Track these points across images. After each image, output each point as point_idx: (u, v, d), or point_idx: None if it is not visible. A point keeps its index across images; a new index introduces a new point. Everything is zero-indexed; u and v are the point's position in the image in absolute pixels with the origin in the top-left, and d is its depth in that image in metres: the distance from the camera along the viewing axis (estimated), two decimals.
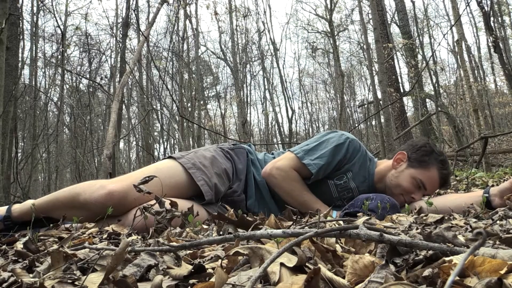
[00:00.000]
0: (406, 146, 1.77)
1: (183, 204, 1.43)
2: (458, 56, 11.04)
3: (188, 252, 0.82)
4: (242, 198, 1.73)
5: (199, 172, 1.59)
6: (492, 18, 10.81)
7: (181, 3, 9.90)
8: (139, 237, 1.15)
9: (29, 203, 1.51)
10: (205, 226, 1.23)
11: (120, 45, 11.54)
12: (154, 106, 13.29)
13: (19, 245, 1.05)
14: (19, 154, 8.77)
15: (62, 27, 10.71)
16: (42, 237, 1.21)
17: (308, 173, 1.66)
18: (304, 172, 1.67)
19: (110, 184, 1.44)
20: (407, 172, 1.68)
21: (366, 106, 16.41)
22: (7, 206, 1.55)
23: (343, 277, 0.57)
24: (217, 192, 1.62)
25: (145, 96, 12.61)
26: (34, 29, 12.22)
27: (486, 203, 1.47)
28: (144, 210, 1.25)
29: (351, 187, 1.74)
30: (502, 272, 0.50)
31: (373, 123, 16.06)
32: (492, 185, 1.62)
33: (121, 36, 11.64)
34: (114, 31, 13.52)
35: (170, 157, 1.67)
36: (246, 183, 1.77)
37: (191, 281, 0.61)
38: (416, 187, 1.68)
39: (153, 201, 1.33)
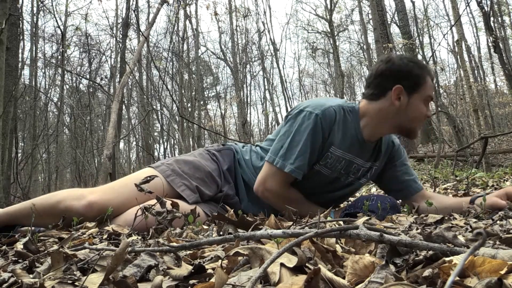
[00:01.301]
0: (389, 74, 1.54)
1: (185, 206, 1.43)
2: (458, 56, 11.05)
3: (188, 252, 0.82)
4: (236, 201, 1.68)
5: (179, 178, 1.55)
6: (492, 18, 10.81)
7: (181, 3, 9.90)
8: (139, 237, 1.15)
9: None
10: (205, 227, 1.24)
11: (120, 45, 11.55)
12: (154, 106, 13.29)
13: (19, 246, 1.05)
14: (19, 155, 8.77)
15: (62, 27, 10.72)
16: (42, 238, 1.21)
17: (294, 178, 1.56)
18: (291, 178, 1.56)
19: (90, 195, 1.43)
20: (413, 101, 1.53)
21: None
22: None
23: (343, 278, 0.57)
24: (202, 195, 1.58)
25: (145, 97, 12.61)
26: (34, 29, 12.23)
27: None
28: (145, 210, 1.25)
29: (338, 155, 1.58)
30: (502, 272, 0.50)
31: None
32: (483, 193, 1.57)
33: (121, 36, 11.65)
34: (114, 32, 13.53)
35: (150, 167, 1.63)
36: (236, 185, 1.71)
37: (191, 282, 0.61)
38: (427, 105, 1.57)
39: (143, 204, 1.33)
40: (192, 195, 1.53)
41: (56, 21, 12.70)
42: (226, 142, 1.96)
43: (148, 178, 1.35)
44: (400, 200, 1.71)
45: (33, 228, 1.43)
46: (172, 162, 1.62)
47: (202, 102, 16.45)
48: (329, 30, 16.26)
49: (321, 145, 1.54)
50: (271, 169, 1.56)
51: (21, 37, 9.51)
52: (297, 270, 0.58)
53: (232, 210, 1.47)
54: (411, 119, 1.55)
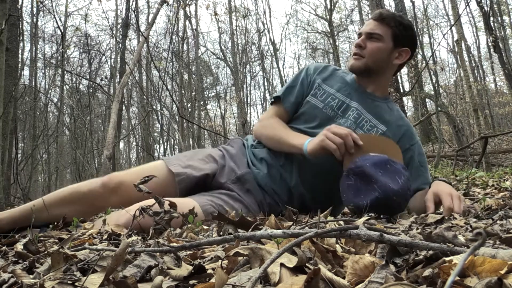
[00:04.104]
0: None
1: (184, 202, 1.42)
2: (458, 56, 11.05)
3: (188, 252, 0.82)
4: (247, 172, 1.61)
5: (175, 160, 1.60)
6: (491, 18, 10.81)
7: (181, 3, 9.90)
8: (139, 237, 1.15)
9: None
10: (205, 227, 1.24)
11: (120, 45, 11.55)
12: (154, 107, 13.30)
13: (19, 246, 1.05)
14: (19, 155, 8.77)
15: (62, 28, 10.71)
16: (42, 238, 1.21)
17: (280, 102, 1.68)
18: (280, 107, 1.68)
19: (104, 176, 1.56)
20: None
21: None
22: None
23: (343, 278, 0.57)
24: (195, 169, 1.56)
25: (145, 97, 12.61)
26: (34, 30, 12.24)
27: None
28: (142, 211, 1.25)
29: (329, 92, 1.64)
30: (502, 272, 0.50)
31: None
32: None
33: (121, 36, 11.65)
34: (114, 32, 13.52)
35: (161, 159, 1.69)
36: (248, 164, 1.68)
37: (191, 282, 0.61)
38: (356, 45, 1.61)
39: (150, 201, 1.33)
40: (179, 166, 1.55)
41: (56, 21, 12.69)
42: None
43: (147, 178, 1.35)
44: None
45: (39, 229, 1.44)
46: (178, 154, 1.80)
47: (202, 102, 16.45)
48: (329, 30, 16.28)
49: (303, 79, 1.69)
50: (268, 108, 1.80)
51: (21, 38, 9.52)
52: (297, 270, 0.58)
53: (234, 212, 1.47)
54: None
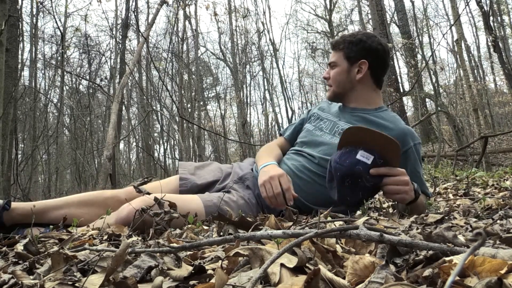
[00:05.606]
0: None
1: (188, 199, 1.49)
2: (458, 56, 11.05)
3: (188, 253, 0.82)
4: (249, 171, 1.76)
5: (188, 166, 1.81)
6: (491, 18, 10.82)
7: (181, 4, 9.90)
8: (140, 238, 1.15)
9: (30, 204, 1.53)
10: (205, 227, 1.24)
11: (120, 46, 11.55)
12: (154, 107, 13.28)
13: (19, 247, 1.05)
14: (19, 156, 8.77)
15: (61, 28, 10.71)
16: (42, 239, 1.21)
17: (284, 138, 1.93)
18: (281, 137, 1.95)
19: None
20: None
21: None
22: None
23: (344, 278, 0.57)
24: (200, 177, 1.74)
25: (145, 97, 12.61)
26: (33, 30, 12.23)
27: None
28: (142, 212, 1.25)
29: (322, 117, 1.84)
30: (502, 272, 0.50)
31: None
32: None
33: (120, 37, 11.65)
34: (114, 32, 13.51)
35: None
36: (252, 169, 1.83)
37: (191, 282, 0.61)
38: (323, 78, 1.86)
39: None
40: (187, 172, 1.74)
41: (56, 22, 12.68)
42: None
43: (146, 180, 1.36)
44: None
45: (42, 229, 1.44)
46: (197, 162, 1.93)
47: (202, 103, 16.44)
48: (328, 30, 16.30)
49: (308, 115, 1.92)
50: None
51: (21, 38, 9.52)
52: (297, 270, 0.58)
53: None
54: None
